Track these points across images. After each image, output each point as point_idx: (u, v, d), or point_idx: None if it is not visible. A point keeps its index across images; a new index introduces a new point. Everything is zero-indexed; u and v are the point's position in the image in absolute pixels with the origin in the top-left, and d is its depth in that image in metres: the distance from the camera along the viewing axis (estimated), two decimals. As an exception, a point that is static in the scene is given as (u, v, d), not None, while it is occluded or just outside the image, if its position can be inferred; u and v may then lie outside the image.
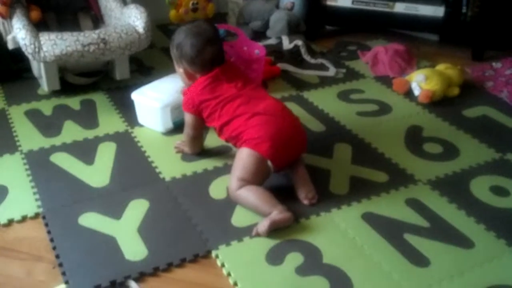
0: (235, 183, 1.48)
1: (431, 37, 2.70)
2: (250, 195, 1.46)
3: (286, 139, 1.52)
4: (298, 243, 1.39)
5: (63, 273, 1.29)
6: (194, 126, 1.65)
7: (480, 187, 1.62)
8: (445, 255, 1.36)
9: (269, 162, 1.49)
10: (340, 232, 1.43)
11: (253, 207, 1.46)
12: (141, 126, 1.89)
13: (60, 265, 1.31)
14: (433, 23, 2.48)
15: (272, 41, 2.55)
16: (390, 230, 1.44)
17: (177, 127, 1.83)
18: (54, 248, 1.36)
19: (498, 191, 1.61)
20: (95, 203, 1.52)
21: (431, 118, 2.00)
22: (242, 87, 1.58)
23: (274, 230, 1.40)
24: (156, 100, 1.81)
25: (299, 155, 1.60)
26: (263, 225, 1.39)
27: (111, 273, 1.28)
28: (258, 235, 1.40)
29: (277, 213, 1.41)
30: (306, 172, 1.56)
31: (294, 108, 2.01)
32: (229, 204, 1.52)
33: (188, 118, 1.64)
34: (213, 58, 1.58)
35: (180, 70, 1.64)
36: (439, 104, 2.07)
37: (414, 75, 2.16)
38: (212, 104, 1.57)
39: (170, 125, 1.84)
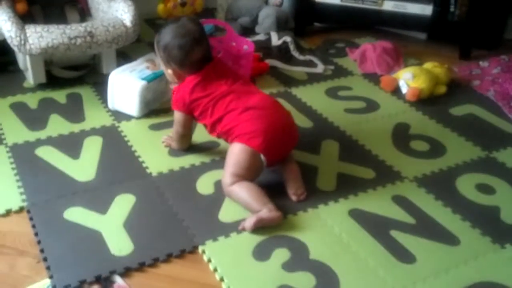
0: (228, 178, 1.47)
1: (419, 36, 2.71)
2: (243, 191, 1.45)
3: (279, 133, 1.51)
4: (285, 239, 1.39)
5: (48, 268, 1.27)
6: (184, 125, 1.64)
7: (466, 185, 1.63)
8: (430, 252, 1.37)
9: (262, 157, 1.48)
10: (327, 228, 1.43)
11: (244, 203, 1.46)
12: (129, 120, 1.88)
13: (45, 259, 1.30)
14: (421, 21, 2.49)
15: (260, 37, 2.54)
16: (377, 227, 1.44)
17: (150, 80, 1.86)
18: (38, 242, 1.35)
19: (484, 188, 1.62)
20: (80, 197, 1.50)
21: (418, 116, 2.00)
22: (232, 83, 1.57)
23: (261, 227, 1.41)
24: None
25: (291, 149, 1.60)
26: (249, 221, 1.39)
27: (96, 268, 1.27)
28: (244, 230, 1.40)
29: (266, 211, 1.41)
30: (297, 169, 1.57)
31: (283, 104, 2.01)
32: (216, 199, 1.51)
33: (178, 116, 1.63)
34: (201, 58, 1.57)
35: (168, 71, 1.62)
36: (426, 102, 2.08)
37: (402, 73, 2.17)
38: (204, 102, 1.55)
39: (142, 82, 1.85)
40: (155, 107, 1.94)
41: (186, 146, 1.71)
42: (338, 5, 2.57)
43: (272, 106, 1.56)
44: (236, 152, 1.49)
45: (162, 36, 1.58)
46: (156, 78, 1.88)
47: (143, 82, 1.84)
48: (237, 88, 1.56)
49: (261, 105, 1.53)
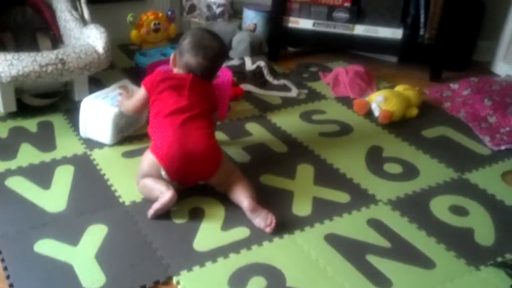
0: (137, 179, 1.61)
1: (390, 59, 2.76)
2: (143, 189, 1.59)
3: (188, 160, 1.54)
4: (261, 266, 1.37)
5: (17, 303, 1.24)
6: (140, 102, 1.70)
7: (440, 207, 1.64)
8: (406, 275, 1.37)
9: (163, 172, 1.55)
10: (303, 254, 1.43)
11: (149, 198, 1.57)
12: (101, 148, 1.85)
13: (14, 295, 1.26)
14: (391, 45, 2.54)
15: (234, 62, 2.55)
16: (353, 251, 1.44)
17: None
18: (7, 277, 1.31)
19: (457, 210, 1.63)
20: (51, 229, 1.47)
21: (391, 138, 2.02)
22: (191, 104, 1.60)
23: (236, 254, 1.40)
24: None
25: (203, 177, 1.61)
26: (150, 210, 1.53)
27: (67, 302, 1.24)
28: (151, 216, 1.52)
29: (159, 199, 1.51)
30: (253, 204, 1.52)
31: (257, 129, 2.02)
32: (191, 228, 1.49)
33: (141, 93, 1.69)
34: (194, 68, 1.63)
35: (172, 54, 1.70)
36: (398, 124, 2.10)
37: (374, 96, 2.20)
38: (162, 87, 1.62)
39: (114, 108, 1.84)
40: (128, 134, 1.92)
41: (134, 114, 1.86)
42: (311, 30, 2.60)
43: (197, 140, 1.56)
44: (143, 159, 1.60)
45: (194, 30, 1.73)
46: None
47: (116, 109, 1.82)
48: (186, 109, 1.59)
49: (185, 131, 1.56)
